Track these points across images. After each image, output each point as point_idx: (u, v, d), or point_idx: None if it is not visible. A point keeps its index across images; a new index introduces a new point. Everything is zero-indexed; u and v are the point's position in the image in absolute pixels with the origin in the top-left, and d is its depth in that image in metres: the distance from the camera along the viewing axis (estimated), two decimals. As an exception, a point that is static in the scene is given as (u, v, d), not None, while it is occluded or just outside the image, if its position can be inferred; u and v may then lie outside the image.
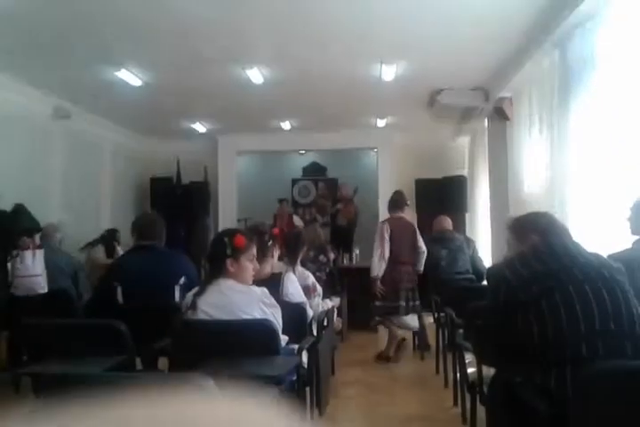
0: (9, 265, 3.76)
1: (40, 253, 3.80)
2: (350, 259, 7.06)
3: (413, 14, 4.04)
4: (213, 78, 5.57)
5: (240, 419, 0.34)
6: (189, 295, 2.43)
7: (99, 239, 6.18)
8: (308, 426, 0.34)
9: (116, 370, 2.19)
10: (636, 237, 2.87)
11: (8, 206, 4.62)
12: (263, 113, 7.20)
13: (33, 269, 3.73)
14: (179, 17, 4.04)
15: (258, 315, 2.33)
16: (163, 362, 2.67)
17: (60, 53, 4.77)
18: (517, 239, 2.18)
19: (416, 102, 6.64)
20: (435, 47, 4.74)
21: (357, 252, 7.07)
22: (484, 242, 6.40)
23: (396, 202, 5.03)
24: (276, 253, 3.25)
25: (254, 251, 2.53)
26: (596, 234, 3.49)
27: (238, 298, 2.35)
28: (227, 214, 8.55)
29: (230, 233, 2.50)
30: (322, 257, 5.41)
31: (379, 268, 4.82)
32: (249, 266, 2.46)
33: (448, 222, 5.24)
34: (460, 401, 3.34)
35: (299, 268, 3.72)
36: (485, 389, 2.28)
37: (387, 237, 4.83)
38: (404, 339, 4.99)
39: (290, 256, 3.72)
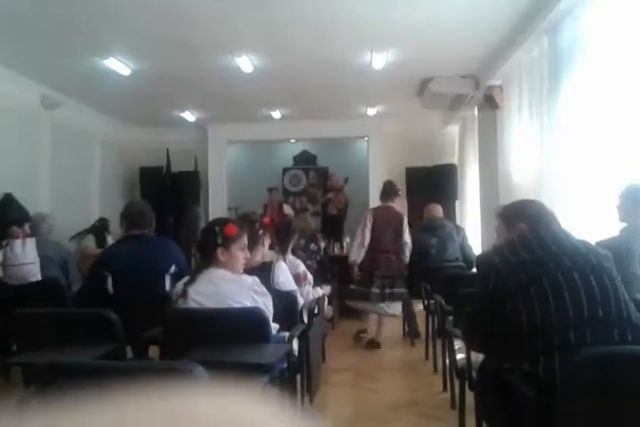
0: (1, 254, 3.73)
1: (31, 242, 3.78)
2: (341, 247, 7.08)
3: (403, 2, 4.02)
4: (203, 67, 5.52)
5: (235, 417, 0.34)
6: (180, 284, 2.43)
7: (89, 229, 6.15)
8: (301, 423, 0.34)
9: (106, 359, 2.19)
10: (624, 225, 2.90)
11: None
12: (253, 102, 7.16)
13: (23, 257, 3.71)
14: (166, 4, 4.00)
15: (248, 303, 2.33)
16: (153, 351, 2.67)
17: (47, 42, 4.72)
18: (506, 227, 2.19)
19: (406, 90, 6.63)
20: (425, 35, 4.71)
21: (348, 240, 7.09)
22: (473, 230, 6.44)
23: (386, 192, 5.07)
24: (267, 241, 3.25)
25: (245, 240, 2.52)
26: (585, 221, 3.52)
27: (229, 287, 2.36)
28: (217, 203, 8.53)
29: (221, 222, 2.50)
30: (312, 246, 5.42)
31: (357, 254, 4.94)
32: (240, 255, 2.46)
33: (438, 210, 5.26)
34: (449, 386, 3.39)
35: (289, 256, 3.73)
36: (474, 374, 2.31)
37: (369, 225, 4.91)
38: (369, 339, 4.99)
39: (280, 245, 3.73)
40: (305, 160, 10.58)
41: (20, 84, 5.65)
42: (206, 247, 2.45)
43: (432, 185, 7.56)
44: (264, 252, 3.18)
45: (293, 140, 10.13)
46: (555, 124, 4.09)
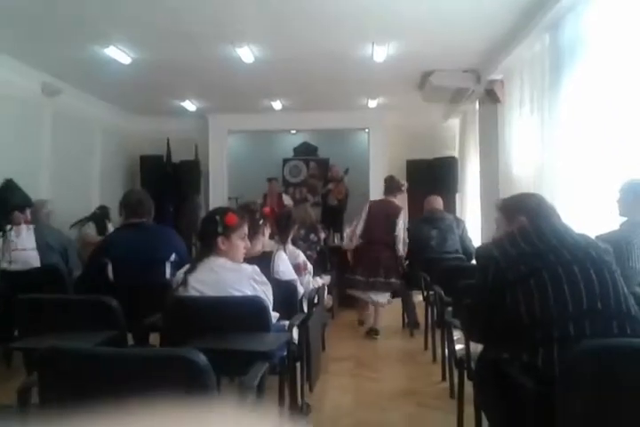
0: (1, 240, 3.73)
1: (32, 228, 3.79)
2: (341, 238, 7.09)
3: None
4: (204, 56, 5.49)
5: None
6: (180, 272, 2.44)
7: (90, 217, 6.15)
8: None
9: (107, 345, 2.20)
10: (624, 219, 2.91)
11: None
12: (254, 92, 7.13)
13: (27, 243, 3.73)
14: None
15: (249, 292, 2.35)
16: (154, 338, 2.69)
17: (48, 30, 4.68)
18: (506, 220, 2.20)
19: (407, 83, 6.61)
20: (427, 29, 4.69)
21: (347, 231, 7.10)
22: (474, 222, 6.45)
23: (388, 188, 5.20)
24: (267, 231, 3.26)
25: (246, 229, 2.53)
26: (585, 215, 3.53)
27: (229, 276, 2.37)
28: (217, 193, 8.53)
29: (222, 211, 2.50)
30: (312, 236, 5.44)
31: (346, 242, 5.40)
32: (240, 244, 2.47)
33: (439, 202, 5.27)
34: (448, 376, 3.42)
35: (289, 246, 3.75)
36: (473, 364, 2.32)
37: (364, 216, 5.10)
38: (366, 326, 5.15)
39: (281, 235, 3.74)
40: (305, 151, 10.56)
41: (20, 71, 5.62)
42: (207, 236, 2.46)
43: (432, 178, 7.56)
44: (264, 241, 3.20)
45: (294, 131, 10.12)
46: (555, 119, 4.10)
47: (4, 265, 3.63)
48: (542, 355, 1.77)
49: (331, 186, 8.54)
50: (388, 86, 6.81)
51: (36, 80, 5.92)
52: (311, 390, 2.96)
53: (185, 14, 4.38)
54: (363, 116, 8.29)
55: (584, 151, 3.64)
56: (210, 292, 2.34)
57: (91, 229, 5.97)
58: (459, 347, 2.80)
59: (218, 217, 2.44)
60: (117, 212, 3.59)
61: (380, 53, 5.29)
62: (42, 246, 4.15)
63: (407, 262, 5.18)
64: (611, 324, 1.80)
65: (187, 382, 1.45)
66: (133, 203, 3.34)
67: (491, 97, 5.74)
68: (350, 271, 5.14)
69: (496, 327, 1.98)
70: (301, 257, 3.66)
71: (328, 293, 4.42)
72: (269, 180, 8.38)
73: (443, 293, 3.55)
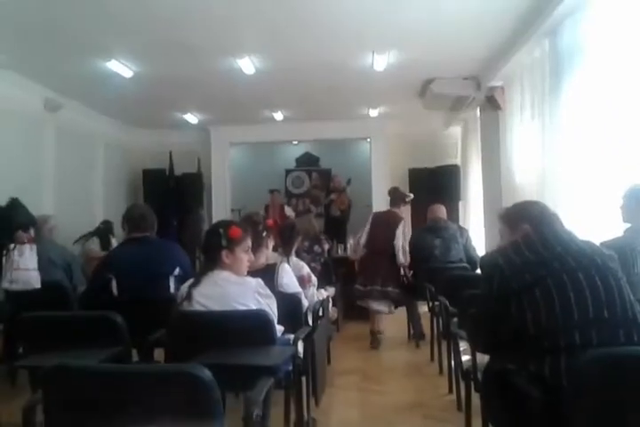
0: (4, 259, 3.72)
1: (35, 249, 3.78)
2: (345, 249, 7.07)
3: (404, 4, 4.02)
4: (205, 69, 5.53)
5: None
6: (184, 287, 2.44)
7: (93, 232, 6.15)
8: None
9: (112, 361, 2.19)
10: (628, 225, 2.90)
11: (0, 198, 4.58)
12: (255, 103, 7.17)
13: (31, 262, 3.71)
14: (168, 7, 4.01)
15: (253, 306, 2.34)
16: (159, 353, 2.68)
17: (50, 44, 4.73)
18: (509, 229, 2.19)
19: (408, 92, 6.63)
20: (426, 37, 4.72)
21: (351, 242, 7.08)
22: (477, 230, 6.43)
23: (393, 199, 5.28)
24: (271, 243, 3.26)
25: (249, 242, 2.53)
26: (588, 222, 3.52)
27: (233, 289, 2.36)
28: (220, 205, 8.54)
29: (225, 224, 2.50)
30: (316, 247, 5.43)
31: (351, 253, 5.76)
32: (244, 257, 2.47)
33: (442, 211, 5.26)
34: (454, 388, 3.39)
35: (293, 258, 3.73)
36: (480, 376, 2.30)
37: (367, 227, 5.22)
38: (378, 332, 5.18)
39: (284, 247, 3.73)
40: (307, 162, 10.59)
41: (23, 86, 5.67)
42: (210, 249, 2.45)
43: (435, 186, 7.56)
44: (268, 254, 3.19)
45: (296, 142, 10.15)
46: (556, 125, 4.10)
47: (6, 285, 3.62)
48: (549, 365, 1.76)
49: (333, 196, 8.55)
50: (388, 95, 6.84)
51: (38, 95, 5.97)
52: (317, 404, 2.93)
53: (185, 27, 4.42)
54: (364, 125, 8.31)
55: (586, 157, 3.64)
56: (214, 306, 2.33)
57: (94, 245, 5.98)
58: (465, 358, 2.77)
59: (221, 230, 2.43)
60: (120, 226, 3.59)
61: (381, 62, 5.32)
62: (45, 262, 4.15)
63: (412, 273, 5.15)
64: (617, 332, 1.79)
65: (192, 397, 1.44)
66: (136, 217, 3.34)
67: (491, 104, 5.75)
68: (355, 281, 5.23)
69: (502, 337, 1.96)
70: (305, 269, 3.64)
71: (333, 305, 4.39)
72: (271, 191, 8.39)
73: (448, 303, 3.53)
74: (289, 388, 2.41)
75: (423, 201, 6.14)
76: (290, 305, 2.81)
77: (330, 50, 5.06)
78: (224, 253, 2.40)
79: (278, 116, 7.83)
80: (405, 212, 5.42)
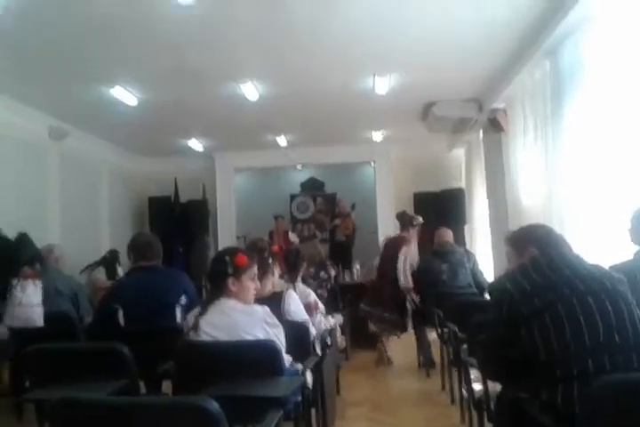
0: (7, 295, 3.68)
1: (39, 285, 3.75)
2: (351, 275, 7.03)
3: (403, 28, 4.08)
4: (208, 95, 5.60)
5: None
6: (191, 316, 2.42)
7: (100, 261, 6.15)
8: None
9: (120, 394, 2.17)
10: (637, 248, 2.87)
11: (5, 227, 4.57)
12: (259, 129, 7.23)
13: (34, 299, 3.67)
14: (170, 34, 4.07)
15: (261, 335, 2.31)
16: (167, 385, 2.65)
17: (53, 73, 4.79)
18: (517, 252, 2.18)
19: (410, 114, 6.68)
20: (427, 59, 4.77)
21: (358, 267, 7.04)
22: (484, 254, 6.39)
23: (400, 224, 5.46)
24: (277, 270, 3.24)
25: (255, 269, 2.52)
26: (596, 244, 3.49)
27: (240, 318, 2.34)
28: (226, 232, 8.54)
29: (231, 252, 2.49)
30: (322, 273, 5.41)
31: (366, 276, 5.98)
32: (250, 285, 2.46)
33: (449, 235, 5.23)
34: (467, 418, 3.32)
35: (300, 285, 3.71)
36: (492, 405, 2.26)
37: (380, 251, 5.48)
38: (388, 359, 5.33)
39: (290, 273, 3.71)
40: (312, 187, 10.62)
41: (27, 115, 5.71)
42: (217, 277, 2.44)
43: (440, 210, 7.54)
44: (274, 281, 3.17)
45: (300, 167, 10.20)
46: (559, 147, 4.10)
47: (8, 322, 3.58)
48: (562, 392, 1.73)
49: (337, 221, 8.54)
50: (391, 118, 6.89)
51: (42, 123, 6.02)
52: (327, 436, 2.89)
53: (189, 54, 4.49)
54: (368, 149, 8.36)
55: (591, 178, 3.62)
56: (222, 336, 2.31)
57: (101, 274, 5.96)
58: (477, 387, 2.72)
59: (227, 258, 2.43)
60: (126, 255, 3.59)
61: (382, 86, 5.37)
62: (52, 292, 4.13)
63: (419, 298, 5.10)
64: (630, 357, 1.77)
65: (200, 430, 1.42)
66: (141, 246, 3.35)
67: (494, 126, 5.77)
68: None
69: (513, 364, 1.93)
70: (312, 296, 3.62)
71: (341, 333, 4.35)
72: (276, 217, 8.38)
73: (457, 329, 3.48)
74: (298, 420, 2.37)
75: (429, 225, 6.12)
76: (297, 333, 2.78)
77: (332, 74, 5.12)
78: (230, 280, 2.39)
79: (282, 140, 7.88)
80: (415, 235, 5.42)
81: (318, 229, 9.52)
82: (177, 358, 2.36)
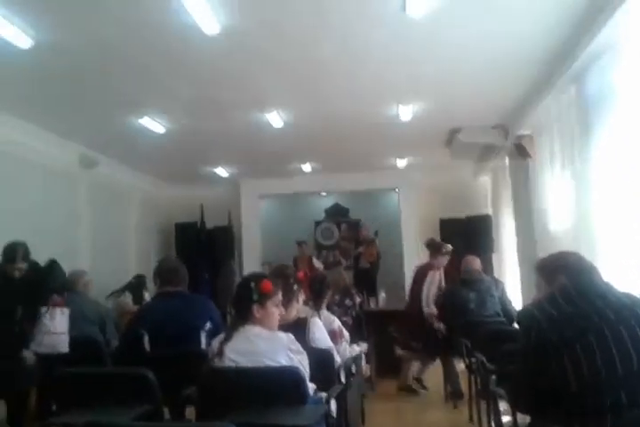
0: (37, 322, 3.72)
1: (67, 312, 3.80)
2: (377, 302, 6.94)
3: (428, 55, 4.12)
4: (234, 124, 5.70)
5: None
6: (215, 342, 2.42)
7: (126, 286, 6.21)
8: None
9: (144, 419, 2.17)
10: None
11: (35, 253, 4.66)
12: (284, 156, 7.31)
13: (60, 326, 3.71)
14: (197, 65, 4.19)
15: (285, 362, 2.30)
16: (190, 411, 2.63)
17: (83, 103, 4.93)
18: (546, 281, 2.14)
19: (435, 141, 6.69)
20: (451, 86, 4.80)
21: (383, 295, 6.95)
22: (512, 282, 6.28)
23: (429, 251, 5.45)
24: (301, 297, 3.23)
25: (280, 296, 2.52)
26: (627, 272, 3.41)
27: (265, 345, 2.34)
28: (251, 258, 8.57)
29: (257, 278, 2.50)
30: (347, 301, 5.37)
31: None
32: (275, 311, 2.46)
33: (477, 263, 5.16)
34: (495, 451, 3.21)
35: (324, 312, 3.68)
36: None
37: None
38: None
39: (315, 300, 3.69)
40: (337, 213, 10.64)
41: (58, 144, 5.86)
42: (242, 304, 2.45)
43: (467, 237, 7.45)
44: (298, 307, 3.16)
45: (324, 194, 10.24)
46: (587, 173, 4.05)
47: (34, 347, 3.62)
48: (594, 425, 1.67)
49: (361, 249, 8.52)
50: (415, 145, 6.90)
51: (73, 152, 6.17)
52: (351, 467, 2.82)
53: (215, 84, 4.60)
54: (392, 175, 8.37)
55: (621, 205, 3.56)
56: (246, 362, 2.30)
57: (127, 299, 6.02)
58: (506, 419, 2.64)
59: (252, 284, 2.44)
60: (152, 281, 3.62)
61: (406, 112, 5.39)
62: (79, 317, 4.18)
63: (445, 327, 5.02)
64: (664, 388, 1.71)
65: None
66: (167, 271, 3.38)
67: (520, 152, 5.71)
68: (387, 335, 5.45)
69: (542, 395, 1.88)
70: (337, 323, 3.58)
71: (366, 361, 4.29)
72: (299, 243, 8.38)
73: (485, 359, 3.40)
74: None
75: (455, 252, 6.06)
76: (321, 361, 2.75)
77: (355, 102, 5.18)
78: (255, 307, 2.39)
79: (307, 167, 7.95)
80: (444, 263, 5.41)
81: (343, 256, 9.49)
82: (201, 383, 2.35)
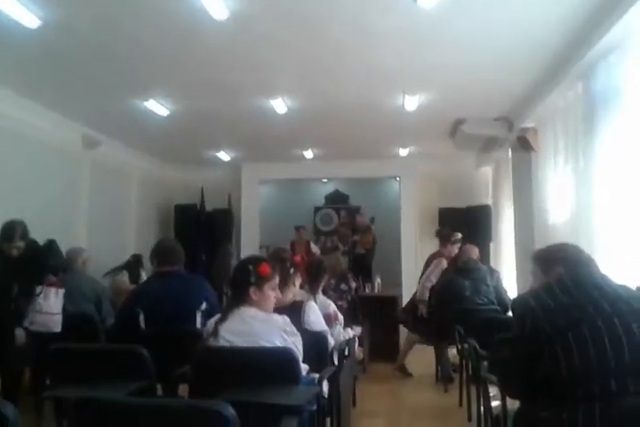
0: (31, 301, 3.72)
1: (61, 293, 3.81)
2: (372, 288, 6.99)
3: (435, 45, 4.09)
4: (238, 108, 5.67)
5: None
6: (211, 322, 2.44)
7: (123, 265, 6.24)
8: None
9: (137, 395, 2.19)
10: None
11: (34, 230, 4.67)
12: (286, 142, 7.29)
13: (55, 307, 3.73)
14: (204, 50, 4.15)
15: (279, 343, 2.32)
16: (183, 388, 2.66)
17: (89, 84, 4.91)
18: (543, 271, 2.15)
19: (439, 132, 6.67)
20: (458, 78, 4.77)
21: (379, 281, 7.00)
22: (508, 272, 6.31)
23: (439, 240, 5.64)
24: (298, 281, 3.25)
25: (277, 279, 2.54)
26: (624, 266, 3.42)
27: (260, 326, 2.35)
28: (249, 241, 8.59)
29: (255, 261, 2.51)
30: (343, 285, 5.40)
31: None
32: (271, 294, 2.47)
33: (474, 252, 5.22)
34: (484, 436, 3.25)
35: (320, 296, 3.71)
36: (510, 423, 2.22)
37: None
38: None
39: (311, 284, 3.72)
40: (337, 199, 10.65)
41: (62, 124, 5.86)
42: (239, 285, 2.46)
43: (466, 226, 7.41)
44: (294, 291, 3.18)
45: (325, 180, 10.24)
46: (590, 167, 4.05)
47: (26, 324, 3.63)
48: (583, 413, 1.69)
49: (357, 237, 8.57)
50: (419, 135, 6.88)
51: (76, 132, 6.17)
52: (341, 447, 2.86)
53: (221, 68, 4.56)
54: (394, 164, 8.35)
55: (621, 200, 3.57)
56: (240, 342, 2.32)
57: (124, 278, 6.04)
58: (495, 404, 2.68)
59: (251, 267, 2.45)
60: (149, 260, 3.63)
61: (411, 102, 5.37)
62: (76, 294, 4.21)
63: (433, 312, 5.11)
64: (656, 380, 1.72)
65: (215, 434, 1.43)
66: (164, 252, 3.39)
67: (523, 145, 5.71)
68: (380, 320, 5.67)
69: (534, 382, 1.90)
70: (332, 307, 3.61)
71: (359, 345, 4.33)
72: (297, 228, 8.40)
73: (477, 346, 3.44)
74: (313, 429, 2.36)
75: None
76: (316, 343, 2.78)
77: (361, 91, 5.15)
78: (252, 289, 2.41)
79: (309, 154, 7.93)
80: (454, 251, 5.54)
81: (341, 242, 9.52)
82: (195, 362, 2.37)
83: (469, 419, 3.88)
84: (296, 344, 2.37)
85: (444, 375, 5.01)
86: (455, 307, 4.75)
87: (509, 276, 6.17)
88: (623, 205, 3.53)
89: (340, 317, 3.66)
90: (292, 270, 3.11)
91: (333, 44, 4.09)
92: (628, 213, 3.48)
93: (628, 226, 3.48)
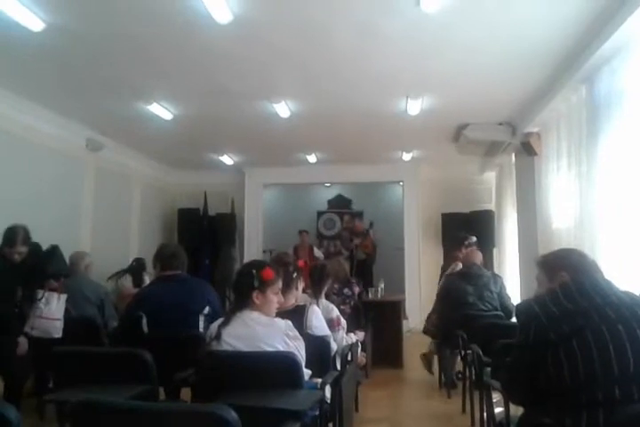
0: (33, 306, 3.72)
1: (63, 298, 3.81)
2: (375, 293, 6.95)
3: (438, 50, 4.10)
4: (241, 112, 5.69)
5: None
6: (214, 326, 2.44)
7: (126, 269, 6.24)
8: None
9: (139, 399, 2.18)
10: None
11: (37, 234, 4.68)
12: (290, 146, 7.31)
13: (56, 312, 3.72)
14: (207, 54, 4.17)
15: (281, 347, 2.31)
16: (185, 392, 2.66)
17: (93, 88, 4.94)
18: (547, 277, 2.14)
19: (442, 136, 6.68)
20: (461, 82, 4.78)
21: (382, 286, 6.96)
22: (512, 278, 6.29)
23: (456, 244, 5.59)
24: (301, 285, 3.24)
25: (280, 284, 2.54)
26: (628, 271, 3.41)
27: (262, 330, 2.35)
28: (252, 246, 8.61)
29: (258, 265, 2.51)
30: (346, 290, 5.37)
31: None
32: (274, 299, 2.47)
33: (478, 257, 5.17)
34: (487, 442, 3.24)
35: (323, 300, 3.70)
36: (513, 430, 2.21)
37: None
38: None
39: (314, 288, 3.71)
40: (340, 204, 10.65)
41: (66, 127, 5.89)
42: (242, 289, 2.46)
43: (468, 231, 7.42)
44: (297, 295, 3.17)
45: (328, 184, 10.24)
46: (593, 172, 4.05)
47: (27, 329, 3.63)
48: (586, 419, 1.68)
49: (357, 241, 8.56)
50: (422, 139, 6.89)
51: (80, 136, 6.20)
52: (343, 453, 2.84)
53: (225, 73, 4.58)
54: (397, 168, 8.37)
55: (624, 205, 3.56)
56: (243, 346, 2.31)
57: (127, 282, 6.04)
58: (498, 410, 2.66)
59: (254, 271, 2.45)
60: (152, 265, 3.63)
61: (414, 107, 5.38)
62: (79, 298, 4.21)
63: (437, 317, 5.09)
64: (660, 387, 1.71)
65: (217, 439, 1.43)
66: (167, 256, 3.39)
67: (527, 150, 5.71)
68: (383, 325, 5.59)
69: (537, 389, 1.89)
70: (335, 312, 3.60)
71: (362, 350, 4.31)
72: (300, 232, 8.42)
73: (481, 352, 3.42)
74: (315, 434, 2.35)
75: (456, 246, 6.06)
76: (318, 348, 2.77)
77: (364, 95, 5.16)
78: (255, 293, 2.41)
79: (312, 158, 7.94)
80: (469, 256, 5.49)
81: (344, 247, 9.52)
82: (198, 366, 2.37)
83: (472, 425, 3.86)
84: (299, 349, 2.37)
85: (447, 381, 4.99)
86: (458, 313, 4.73)
87: (513, 281, 6.15)
88: (627, 209, 3.53)
89: (343, 321, 3.64)
90: (294, 275, 3.10)
91: (337, 48, 4.10)
92: (631, 217, 3.47)
93: (631, 231, 3.47)
